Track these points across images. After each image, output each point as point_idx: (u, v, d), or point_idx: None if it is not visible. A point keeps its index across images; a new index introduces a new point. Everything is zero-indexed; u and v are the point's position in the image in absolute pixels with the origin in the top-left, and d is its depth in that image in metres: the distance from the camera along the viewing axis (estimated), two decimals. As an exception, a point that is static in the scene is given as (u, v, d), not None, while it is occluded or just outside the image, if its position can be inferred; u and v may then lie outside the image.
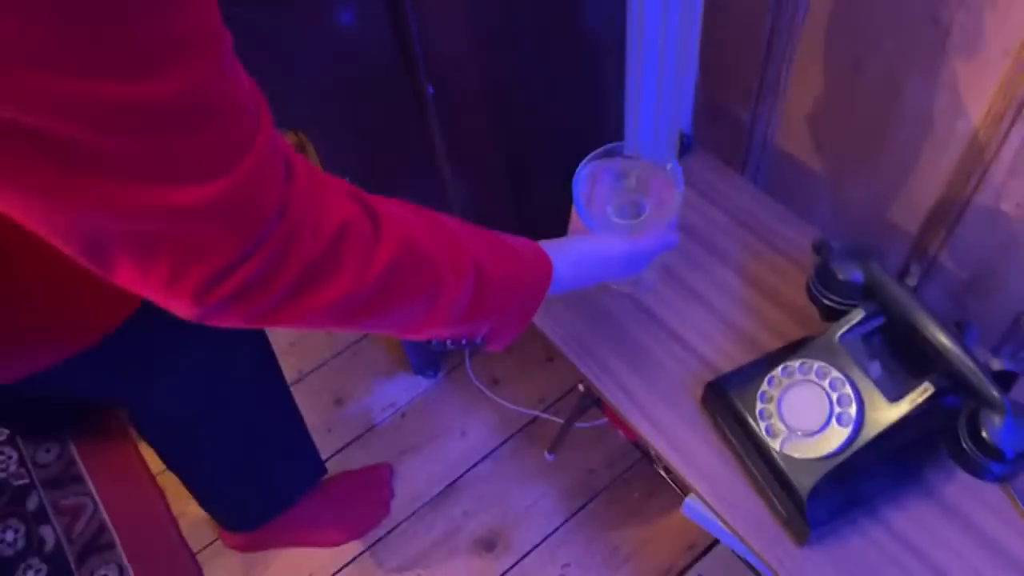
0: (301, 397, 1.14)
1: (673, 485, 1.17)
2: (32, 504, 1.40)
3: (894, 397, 0.73)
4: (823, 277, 0.80)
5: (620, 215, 0.86)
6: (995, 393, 0.67)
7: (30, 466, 1.44)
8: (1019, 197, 0.83)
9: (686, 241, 0.97)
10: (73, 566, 1.32)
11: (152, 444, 1.07)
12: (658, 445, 0.84)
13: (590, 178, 0.84)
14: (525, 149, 1.15)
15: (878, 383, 0.75)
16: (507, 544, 1.30)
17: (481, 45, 0.96)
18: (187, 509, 1.37)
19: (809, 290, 0.82)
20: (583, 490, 1.34)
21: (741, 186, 1.05)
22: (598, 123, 1.17)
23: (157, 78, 0.39)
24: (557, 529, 1.31)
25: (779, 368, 0.79)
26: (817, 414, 0.75)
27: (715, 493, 0.81)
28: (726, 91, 1.10)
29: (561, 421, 1.37)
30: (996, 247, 0.89)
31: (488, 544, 1.30)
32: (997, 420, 0.67)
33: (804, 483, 0.74)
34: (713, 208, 1.02)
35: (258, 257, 0.47)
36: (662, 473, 1.21)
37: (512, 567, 1.28)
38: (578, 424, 1.33)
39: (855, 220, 1.05)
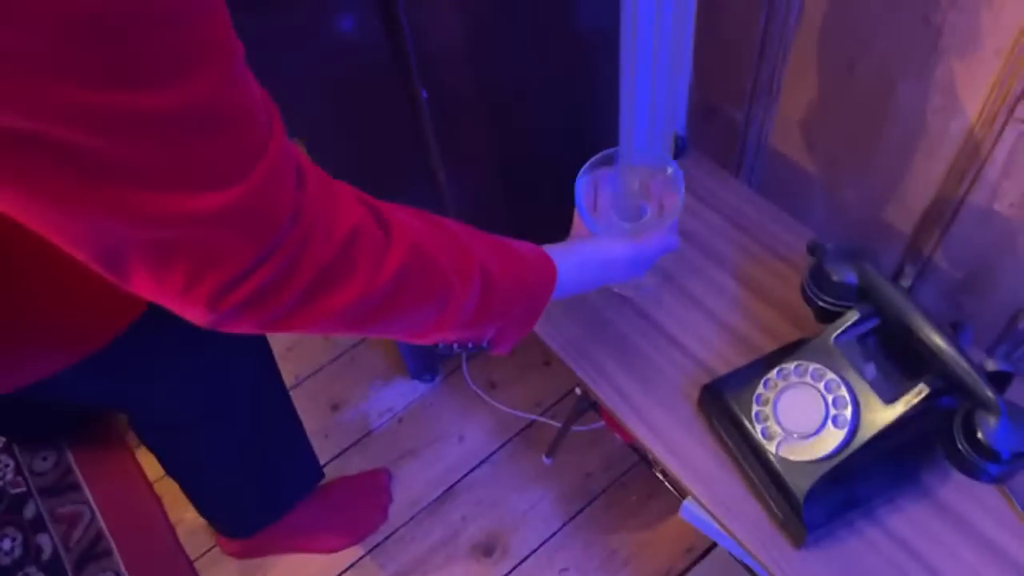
0: (298, 402, 1.14)
1: (671, 488, 1.17)
2: (29, 512, 1.39)
3: (889, 399, 0.73)
4: (817, 278, 0.80)
5: (622, 218, 0.86)
6: (990, 394, 0.67)
7: (27, 474, 1.44)
8: (1013, 197, 0.83)
9: (681, 243, 0.97)
10: (71, 574, 1.32)
11: (152, 449, 1.07)
12: (655, 448, 0.84)
13: (592, 183, 0.84)
14: (520, 153, 1.15)
15: (873, 385, 0.74)
16: (505, 548, 1.30)
17: (474, 49, 0.96)
18: (184, 516, 1.37)
19: (804, 292, 0.82)
20: (581, 494, 1.34)
21: (735, 188, 1.05)
22: (593, 126, 1.17)
23: (172, 88, 0.39)
24: (555, 533, 1.31)
25: (775, 370, 0.79)
26: (813, 416, 0.75)
27: (712, 496, 0.80)
28: (720, 92, 1.10)
29: (558, 425, 1.37)
30: (990, 247, 0.89)
31: (486, 549, 1.30)
32: (992, 421, 0.66)
33: (800, 485, 0.74)
34: (708, 210, 1.02)
35: (272, 263, 0.48)
36: (660, 476, 1.21)
37: (511, 571, 1.28)
38: (575, 427, 1.33)
39: (850, 221, 1.05)
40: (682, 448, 0.84)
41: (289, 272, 0.49)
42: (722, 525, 0.79)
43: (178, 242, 0.44)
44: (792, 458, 0.75)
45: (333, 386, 1.51)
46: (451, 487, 1.37)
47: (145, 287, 0.47)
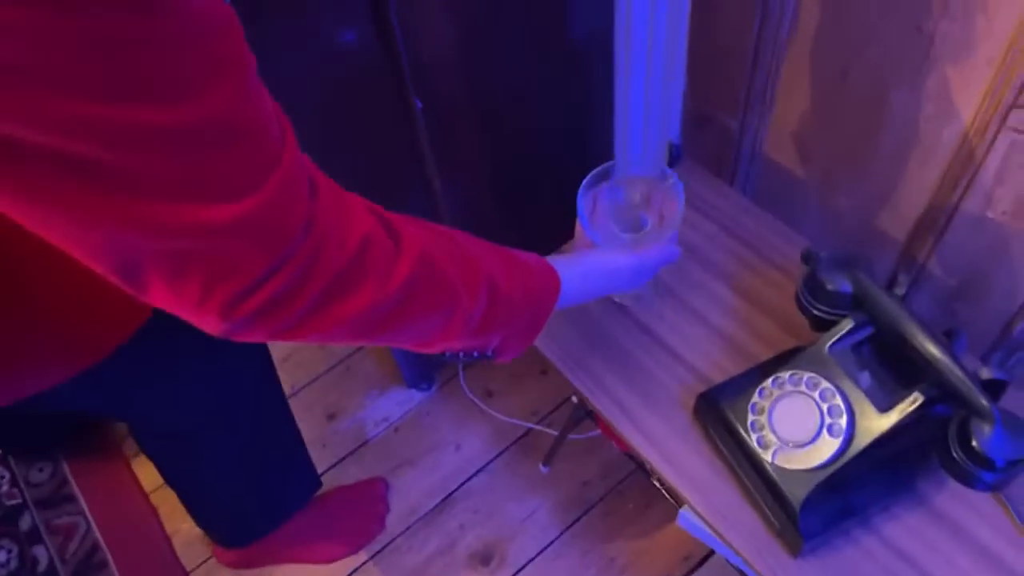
0: (295, 412, 1.14)
1: (668, 496, 1.17)
2: (25, 524, 1.39)
3: (884, 407, 0.73)
4: (812, 287, 0.80)
5: (622, 230, 0.87)
6: (984, 402, 0.67)
7: (23, 486, 1.44)
8: (1006, 204, 0.83)
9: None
10: (66, 586, 1.32)
11: (152, 457, 1.07)
12: (651, 458, 0.84)
13: (593, 194, 0.85)
14: (515, 161, 1.16)
15: (868, 393, 0.75)
16: (503, 557, 1.30)
17: (469, 58, 0.97)
18: (181, 527, 1.36)
19: (798, 300, 0.82)
20: (578, 502, 1.34)
21: (730, 196, 1.06)
22: (587, 134, 1.17)
23: (187, 103, 0.40)
24: (553, 542, 1.30)
25: (770, 379, 0.79)
26: (808, 425, 0.75)
27: (708, 505, 0.80)
28: (714, 101, 1.11)
29: (555, 433, 1.37)
30: (984, 254, 0.89)
31: (484, 558, 1.30)
32: (987, 429, 0.67)
33: (796, 494, 0.74)
34: (702, 219, 1.02)
35: (285, 272, 0.48)
36: (657, 484, 1.21)
37: (508, 580, 1.28)
38: (572, 436, 1.33)
39: (844, 228, 1.05)
40: (678, 457, 0.84)
41: (302, 281, 0.50)
42: (719, 534, 0.79)
43: (194, 253, 0.45)
44: (788, 467, 0.75)
45: (329, 395, 1.51)
46: (448, 496, 1.37)
47: (162, 298, 0.47)
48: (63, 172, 0.39)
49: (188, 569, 1.33)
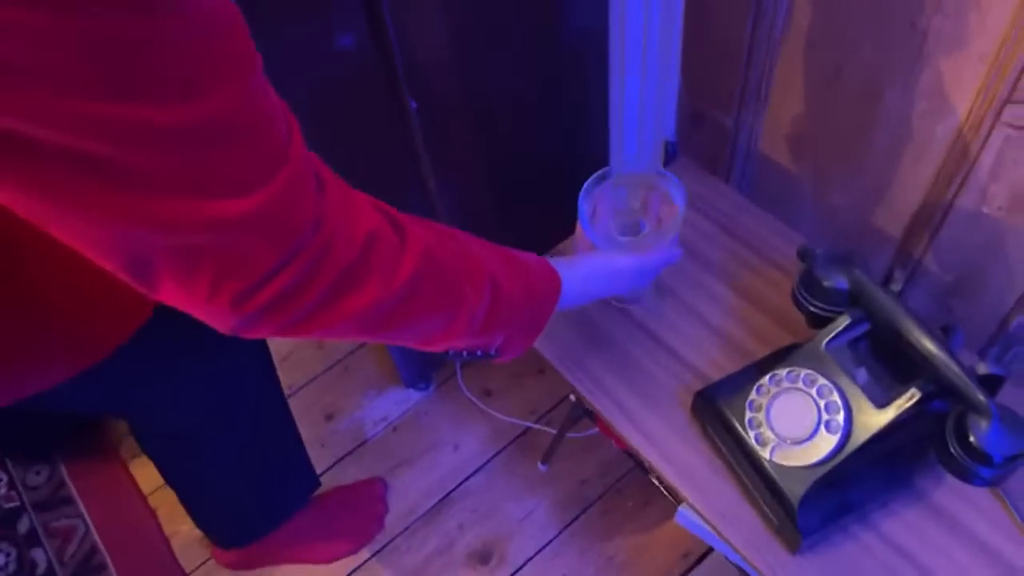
0: (293, 412, 1.14)
1: (667, 494, 1.17)
2: (23, 527, 1.39)
3: (881, 403, 0.73)
4: (808, 284, 0.80)
5: (622, 231, 0.88)
6: (981, 397, 0.67)
7: (20, 488, 1.43)
8: (1001, 200, 0.83)
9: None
10: (65, 589, 1.32)
11: (151, 456, 1.07)
12: (650, 456, 0.84)
13: (593, 196, 0.86)
14: (510, 160, 1.15)
15: (865, 389, 0.75)
16: (502, 556, 1.30)
17: (463, 58, 0.97)
18: (179, 529, 1.36)
19: (795, 297, 0.82)
20: (577, 500, 1.34)
21: (726, 193, 1.06)
22: (583, 134, 1.17)
23: (194, 101, 0.40)
24: (552, 540, 1.30)
25: (767, 376, 0.79)
26: (805, 422, 0.75)
27: (707, 503, 0.80)
28: (709, 99, 1.11)
29: (553, 432, 1.37)
30: (980, 250, 0.89)
31: (483, 557, 1.30)
32: (984, 424, 0.67)
33: (795, 491, 0.74)
34: (699, 216, 1.03)
35: (294, 266, 0.49)
36: (655, 482, 1.21)
37: (507, 579, 1.28)
38: (570, 434, 1.33)
39: (839, 225, 1.05)
40: (677, 455, 0.84)
41: (311, 275, 0.50)
42: (717, 532, 0.80)
43: (203, 248, 0.45)
44: (786, 464, 0.75)
45: (327, 396, 1.51)
46: (447, 495, 1.37)
47: (173, 294, 0.48)
48: (73, 169, 0.39)
49: (187, 571, 1.33)
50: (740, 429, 0.79)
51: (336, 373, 1.53)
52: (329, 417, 1.48)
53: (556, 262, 0.75)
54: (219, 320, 0.50)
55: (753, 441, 0.78)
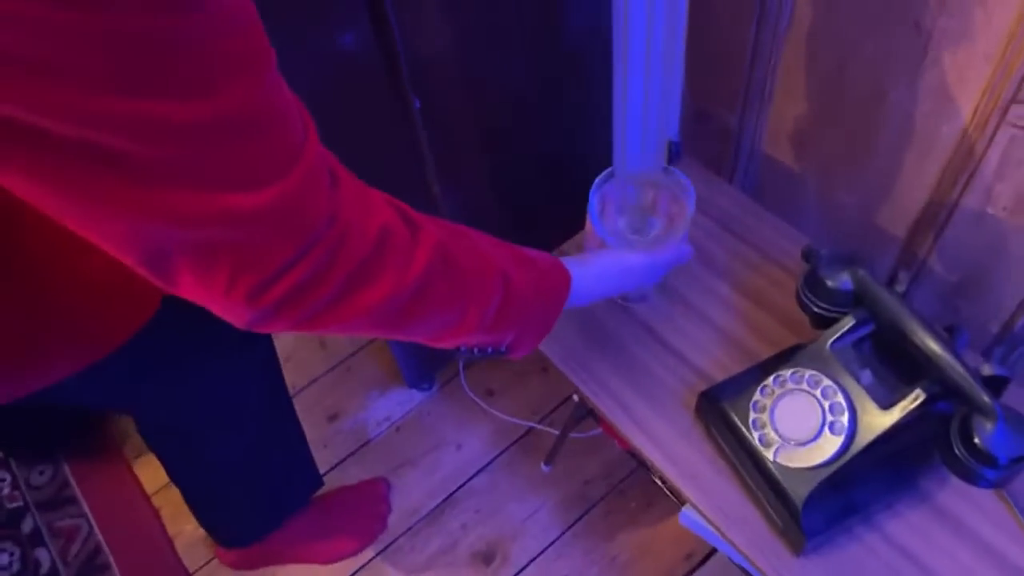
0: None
1: (670, 494, 1.17)
2: (27, 527, 1.39)
3: (886, 404, 0.73)
4: (812, 285, 0.80)
5: (632, 229, 0.88)
6: (986, 399, 0.67)
7: (24, 488, 1.43)
8: (1006, 200, 0.83)
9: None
10: (69, 589, 1.32)
11: (157, 451, 1.07)
12: (653, 457, 0.84)
13: (602, 192, 0.86)
14: (514, 162, 1.15)
15: (870, 390, 0.74)
16: (505, 556, 1.30)
17: (467, 58, 0.96)
18: (183, 528, 1.36)
19: (799, 298, 0.82)
20: (580, 501, 1.34)
21: (729, 193, 1.05)
22: (587, 133, 1.17)
23: (213, 96, 0.41)
24: (555, 540, 1.30)
25: (771, 377, 0.79)
26: (810, 423, 0.75)
27: (711, 504, 0.80)
28: (713, 98, 1.11)
29: (556, 432, 1.37)
30: (985, 250, 0.89)
31: (486, 557, 1.30)
32: (989, 426, 0.66)
33: (799, 492, 0.74)
34: (702, 216, 1.02)
35: (310, 259, 0.50)
36: (659, 483, 1.20)
37: (510, 580, 1.28)
38: (573, 434, 1.33)
39: (844, 225, 1.05)
40: (680, 456, 0.83)
41: (327, 268, 0.51)
42: (721, 533, 0.79)
43: (221, 242, 0.46)
44: (790, 465, 0.75)
45: (330, 396, 1.51)
46: (450, 496, 1.37)
47: (190, 288, 0.48)
48: (92, 163, 0.40)
49: (191, 570, 1.33)
50: (744, 430, 0.79)
51: (339, 373, 1.53)
52: (332, 417, 1.48)
53: (567, 260, 0.76)
54: (235, 314, 0.51)
55: (757, 442, 0.77)
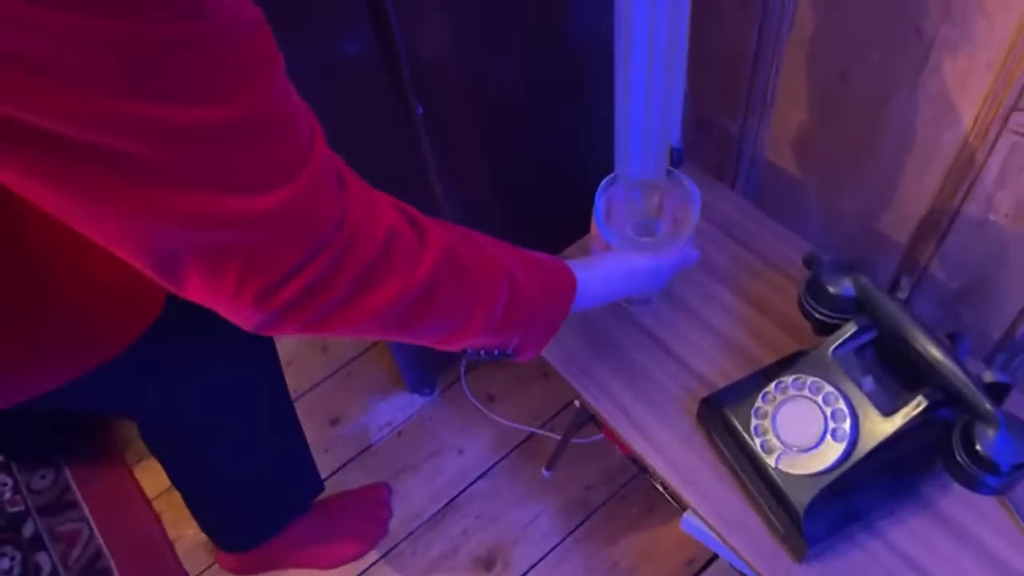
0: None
1: (671, 500, 1.17)
2: (28, 531, 1.39)
3: (888, 411, 0.73)
4: (814, 291, 0.80)
5: (637, 232, 0.88)
6: (988, 406, 0.67)
7: (25, 492, 1.43)
8: (1008, 207, 0.83)
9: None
10: (69, 593, 1.32)
11: (158, 455, 1.07)
12: (655, 463, 0.84)
13: (608, 195, 0.86)
14: (516, 165, 1.15)
15: (872, 397, 0.74)
16: (507, 562, 1.29)
17: (469, 59, 0.97)
18: (184, 533, 1.36)
19: (801, 304, 0.82)
20: (581, 506, 1.33)
21: (731, 199, 1.05)
22: (589, 138, 1.17)
23: (222, 101, 0.42)
24: (556, 546, 1.30)
25: (773, 384, 0.79)
26: (812, 429, 0.75)
27: (712, 510, 0.80)
28: (714, 104, 1.11)
29: (558, 437, 1.37)
30: (987, 257, 0.89)
31: (487, 563, 1.30)
32: (991, 433, 0.66)
33: (801, 499, 0.74)
34: (704, 222, 1.02)
35: (319, 262, 0.50)
36: (660, 488, 1.20)
37: (511, 585, 1.28)
38: (574, 440, 1.33)
39: (846, 232, 1.05)
40: (682, 463, 0.83)
41: (335, 270, 0.51)
42: (722, 539, 0.79)
43: (229, 245, 0.46)
44: (792, 472, 0.75)
45: (332, 401, 1.51)
46: (451, 501, 1.37)
47: (199, 291, 0.49)
48: (101, 165, 0.40)
49: (191, 575, 1.33)
50: (746, 436, 0.79)
51: (340, 378, 1.53)
52: (333, 422, 1.48)
53: (573, 263, 0.76)
54: (243, 317, 0.51)
55: (759, 448, 0.77)
